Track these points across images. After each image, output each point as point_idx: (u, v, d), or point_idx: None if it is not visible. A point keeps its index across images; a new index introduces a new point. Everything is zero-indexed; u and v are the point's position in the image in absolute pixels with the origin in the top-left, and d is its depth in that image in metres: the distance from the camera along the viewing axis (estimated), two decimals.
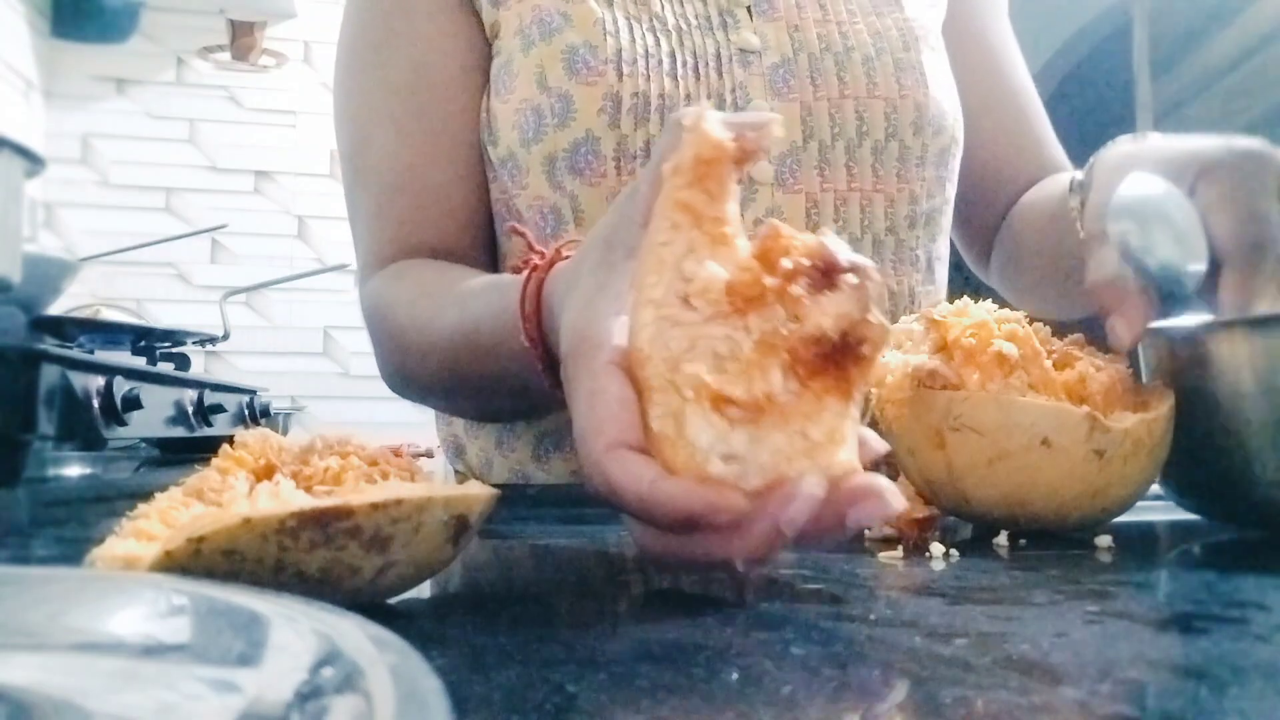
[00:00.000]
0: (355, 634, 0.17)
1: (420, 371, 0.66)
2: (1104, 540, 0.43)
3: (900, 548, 0.41)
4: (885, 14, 0.72)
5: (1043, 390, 0.44)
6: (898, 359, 0.47)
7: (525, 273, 0.49)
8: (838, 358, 0.30)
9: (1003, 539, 0.44)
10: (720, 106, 0.66)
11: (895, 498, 0.31)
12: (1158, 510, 0.57)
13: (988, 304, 0.48)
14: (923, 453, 0.46)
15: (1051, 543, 0.44)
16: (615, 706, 0.20)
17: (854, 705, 0.22)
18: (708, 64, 0.67)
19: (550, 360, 0.48)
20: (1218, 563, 0.43)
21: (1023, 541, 0.44)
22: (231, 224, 2.20)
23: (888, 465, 0.48)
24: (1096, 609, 0.31)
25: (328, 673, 0.16)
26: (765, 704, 0.21)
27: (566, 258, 0.47)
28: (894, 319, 0.50)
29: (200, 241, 2.33)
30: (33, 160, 0.83)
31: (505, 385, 0.57)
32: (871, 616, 0.30)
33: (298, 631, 0.18)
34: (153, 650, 0.19)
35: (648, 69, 0.65)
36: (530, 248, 0.52)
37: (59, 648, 0.19)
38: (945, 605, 0.31)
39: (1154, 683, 0.23)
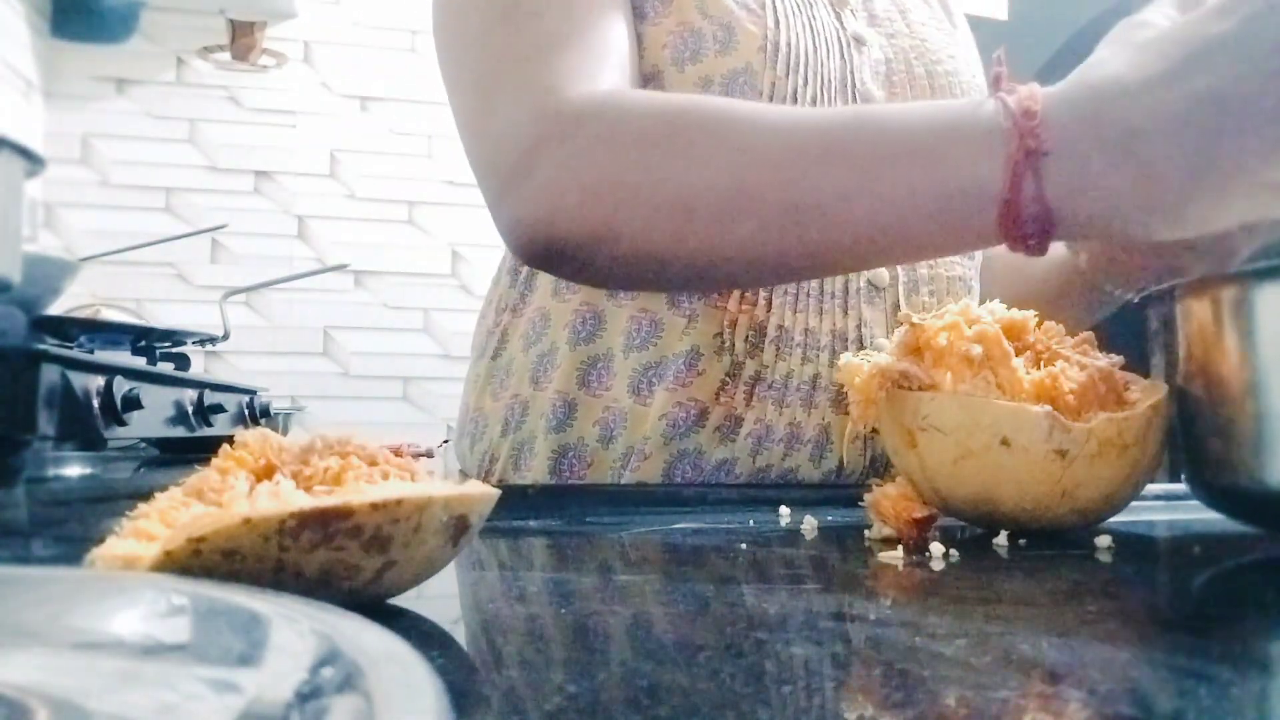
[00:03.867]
0: (355, 634, 0.17)
1: (753, 222, 0.51)
2: (1104, 540, 0.43)
3: (900, 548, 0.41)
4: (948, 35, 0.78)
5: (1008, 390, 0.44)
6: (869, 359, 0.48)
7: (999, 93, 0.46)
8: None
9: (1002, 539, 0.44)
10: (843, 83, 0.70)
11: None
12: (1158, 510, 0.57)
13: (995, 304, 0.48)
14: (901, 452, 0.47)
15: (1051, 543, 0.44)
16: (615, 706, 0.20)
17: (854, 705, 0.22)
18: (832, 40, 0.71)
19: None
20: (1218, 563, 0.43)
21: (1022, 541, 0.44)
22: (231, 224, 2.20)
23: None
24: (1096, 609, 0.31)
25: (328, 673, 0.16)
26: (765, 704, 0.21)
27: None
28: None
29: (200, 241, 2.33)
30: (33, 160, 0.82)
31: (928, 236, 0.49)
32: (871, 616, 0.30)
33: (298, 631, 0.18)
34: (153, 650, 0.19)
35: (796, 26, 0.69)
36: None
37: (59, 648, 0.19)
38: (945, 605, 0.31)
39: (1154, 683, 0.23)
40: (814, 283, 0.67)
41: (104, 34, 2.34)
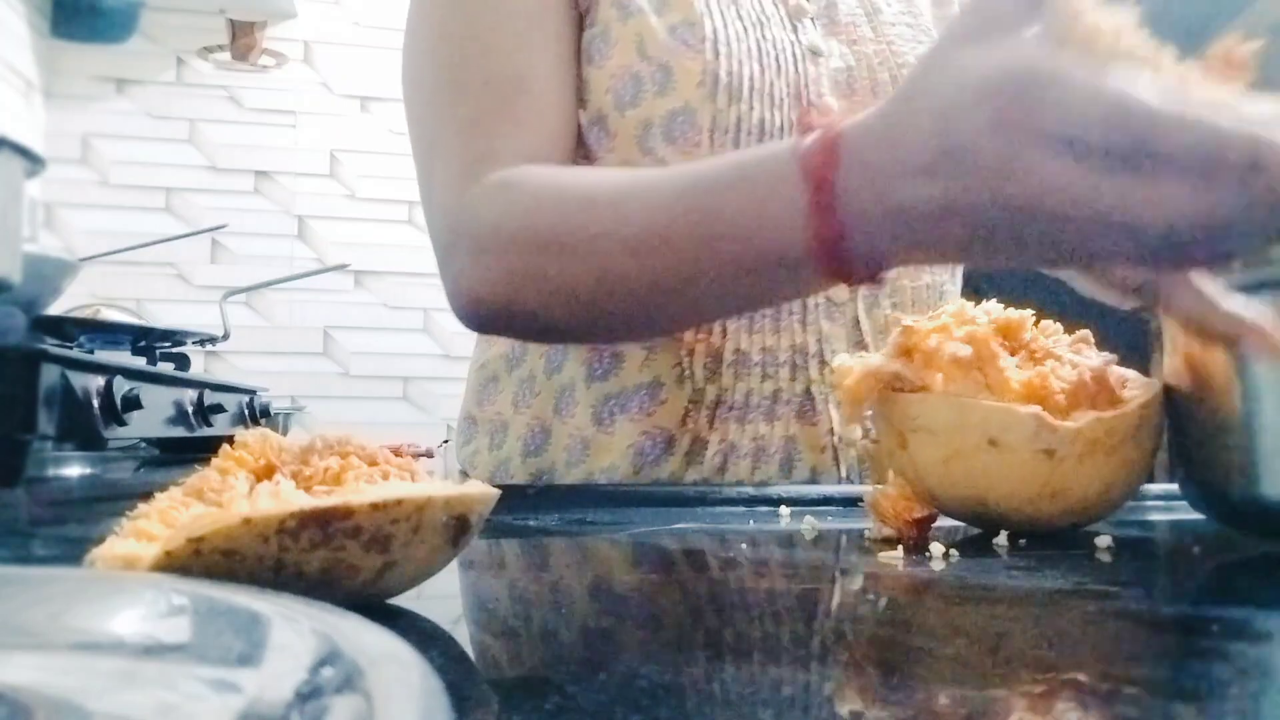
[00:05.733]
0: (355, 634, 0.17)
1: (597, 277, 0.55)
2: (1104, 540, 0.43)
3: (900, 548, 0.41)
4: (924, 43, 0.75)
5: (997, 390, 0.44)
6: (859, 362, 0.48)
7: (804, 134, 0.45)
8: None
9: (1003, 539, 0.44)
10: (796, 99, 0.69)
11: None
12: (1158, 510, 0.57)
13: (992, 303, 0.48)
14: (894, 454, 0.47)
15: (1051, 543, 0.44)
16: (615, 706, 0.20)
17: (854, 705, 0.22)
18: (785, 57, 0.70)
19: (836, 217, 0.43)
20: (1218, 563, 0.43)
21: (1022, 541, 0.44)
22: (231, 224, 2.20)
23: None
24: (1096, 609, 0.31)
25: (328, 673, 0.16)
26: (765, 704, 0.21)
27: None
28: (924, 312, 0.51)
29: (200, 241, 2.33)
30: (33, 160, 0.83)
31: (749, 280, 0.49)
32: (871, 616, 0.30)
33: (298, 631, 0.18)
34: (153, 650, 0.19)
35: (740, 52, 0.68)
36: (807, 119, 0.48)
37: (59, 648, 0.19)
38: (945, 605, 0.31)
39: (1154, 683, 0.23)
40: None
41: (104, 34, 2.34)
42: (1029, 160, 0.36)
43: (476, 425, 0.77)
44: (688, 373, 0.67)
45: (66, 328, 1.18)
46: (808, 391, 0.68)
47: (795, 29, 0.72)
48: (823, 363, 0.67)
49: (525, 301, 0.58)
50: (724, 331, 0.67)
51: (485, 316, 0.62)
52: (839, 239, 0.43)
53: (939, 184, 0.39)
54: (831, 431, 0.68)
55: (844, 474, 0.69)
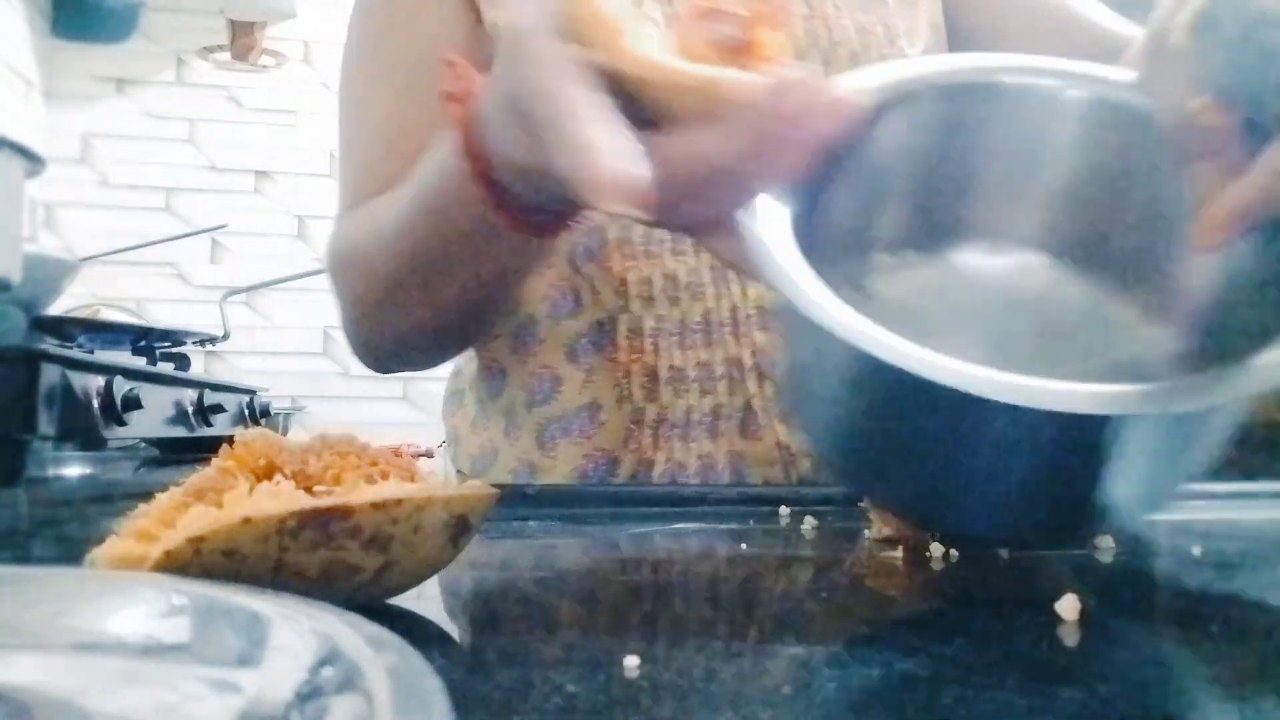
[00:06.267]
0: (355, 634, 0.17)
1: (377, 285, 0.60)
2: (1104, 540, 0.43)
3: (900, 548, 0.41)
4: (871, 10, 0.71)
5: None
6: None
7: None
8: None
9: None
10: None
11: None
12: (1157, 510, 0.57)
13: None
14: None
15: (1051, 543, 0.44)
16: (615, 706, 0.20)
17: (854, 705, 0.22)
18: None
19: (498, 188, 0.45)
20: (1218, 563, 0.43)
21: None
22: (231, 224, 2.20)
23: None
24: (1096, 609, 0.31)
25: (328, 673, 0.16)
26: (765, 704, 0.21)
27: None
28: None
29: (200, 241, 2.33)
30: (33, 160, 0.83)
31: (463, 248, 0.52)
32: (872, 616, 0.30)
33: (298, 631, 0.18)
34: (153, 650, 0.19)
35: None
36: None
37: (59, 648, 0.19)
38: (945, 605, 0.31)
39: (1154, 683, 0.23)
40: (697, 316, 0.66)
41: (104, 34, 2.34)
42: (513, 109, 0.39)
43: (455, 430, 0.80)
44: (626, 393, 0.67)
45: (66, 328, 1.18)
46: (748, 405, 0.66)
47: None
48: (761, 376, 0.66)
49: (363, 344, 0.65)
50: (656, 349, 0.66)
51: (366, 360, 0.68)
52: (489, 174, 0.44)
53: (500, 116, 0.41)
54: (779, 445, 0.66)
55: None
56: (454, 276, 0.55)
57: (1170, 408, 0.32)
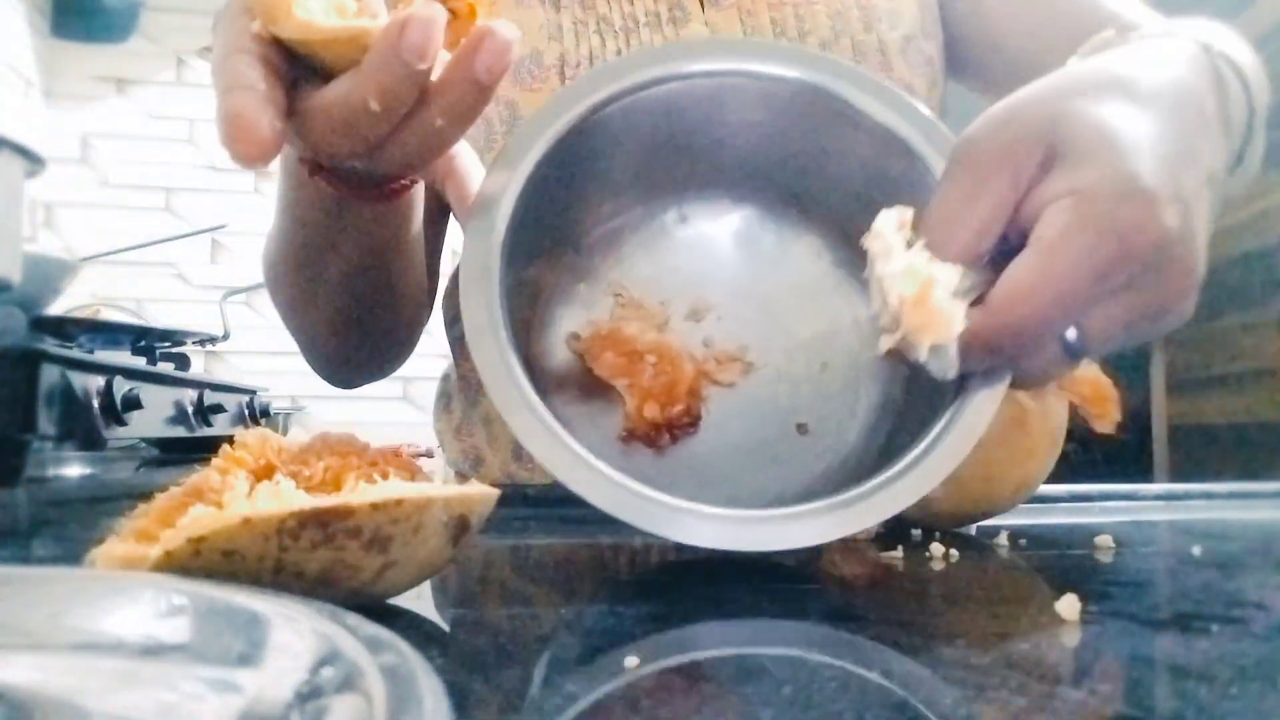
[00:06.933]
0: (355, 634, 0.17)
1: (284, 289, 0.63)
2: (1104, 540, 0.43)
3: (900, 548, 0.41)
4: (846, 4, 0.69)
5: None
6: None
7: None
8: None
9: (1003, 539, 0.44)
10: None
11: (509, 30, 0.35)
12: (1158, 510, 0.57)
13: None
14: None
15: (1051, 543, 0.44)
16: (615, 706, 0.20)
17: (854, 705, 0.22)
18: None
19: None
20: (1218, 563, 0.43)
21: (1023, 541, 0.44)
22: (231, 224, 2.20)
23: None
24: (1096, 609, 0.31)
25: (328, 673, 0.16)
26: (765, 704, 0.21)
27: None
28: None
29: (200, 241, 2.33)
30: (33, 160, 0.83)
31: (319, 227, 0.53)
32: (872, 616, 0.30)
33: (298, 631, 0.18)
34: (153, 650, 0.19)
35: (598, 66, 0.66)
36: None
37: (59, 648, 0.19)
38: (945, 605, 0.31)
39: (1154, 683, 0.23)
40: None
41: (104, 34, 2.33)
42: None
43: (436, 434, 0.81)
44: None
45: (66, 328, 1.18)
46: None
47: (675, 21, 0.67)
48: None
49: (307, 347, 0.69)
50: None
51: (327, 379, 0.73)
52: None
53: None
54: None
55: None
56: (327, 260, 0.56)
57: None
